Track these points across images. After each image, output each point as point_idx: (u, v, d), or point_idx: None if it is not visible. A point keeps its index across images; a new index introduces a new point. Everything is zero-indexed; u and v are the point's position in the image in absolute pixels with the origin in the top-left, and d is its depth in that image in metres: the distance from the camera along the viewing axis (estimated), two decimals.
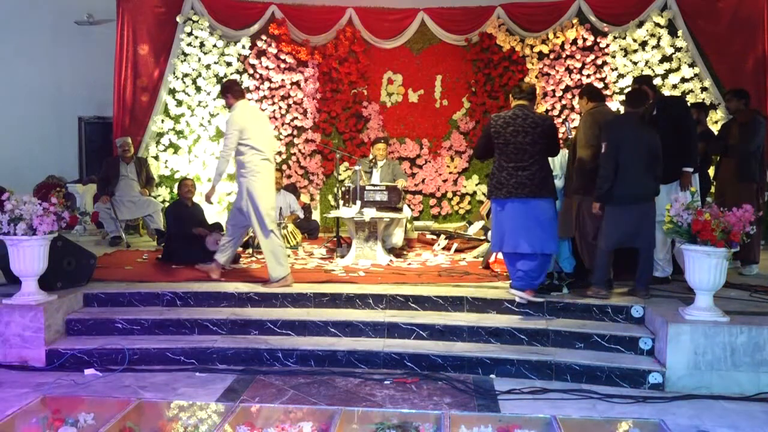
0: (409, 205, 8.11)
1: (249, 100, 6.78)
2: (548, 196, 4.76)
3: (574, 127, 5.40)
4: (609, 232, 4.79)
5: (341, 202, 6.59)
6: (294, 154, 8.91)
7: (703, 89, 8.17)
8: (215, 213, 8.41)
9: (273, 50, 8.69)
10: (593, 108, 5.21)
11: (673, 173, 5.09)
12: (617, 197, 4.72)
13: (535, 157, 4.73)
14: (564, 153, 5.44)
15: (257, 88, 8.73)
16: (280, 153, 8.86)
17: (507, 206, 4.78)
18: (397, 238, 6.86)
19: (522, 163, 4.71)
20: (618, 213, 4.74)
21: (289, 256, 6.70)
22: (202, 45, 8.58)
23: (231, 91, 5.49)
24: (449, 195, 8.97)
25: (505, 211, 4.80)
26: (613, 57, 8.48)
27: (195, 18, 8.53)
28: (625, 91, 8.31)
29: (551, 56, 8.65)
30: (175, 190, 7.91)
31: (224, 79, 7.57)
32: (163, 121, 8.53)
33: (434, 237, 7.73)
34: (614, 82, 8.49)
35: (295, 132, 8.90)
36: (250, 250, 6.94)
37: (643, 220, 4.74)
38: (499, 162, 4.81)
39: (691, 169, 5.22)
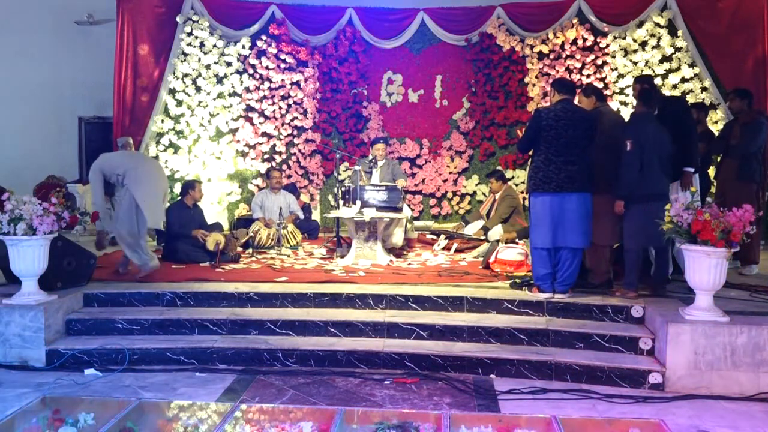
0: (409, 205, 8.11)
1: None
2: (592, 190, 4.84)
3: None
4: (635, 232, 4.77)
5: (341, 202, 6.59)
6: (294, 154, 8.91)
7: (703, 89, 8.16)
8: (215, 213, 8.42)
9: (273, 50, 8.68)
10: (595, 108, 5.21)
11: (673, 173, 5.09)
12: (641, 196, 4.72)
13: (584, 150, 4.78)
14: None
15: (257, 88, 8.72)
16: (280, 153, 8.86)
17: (555, 201, 4.77)
18: (397, 238, 6.86)
19: (572, 157, 4.75)
20: (641, 211, 4.72)
21: (289, 256, 6.73)
22: (202, 45, 8.58)
23: None
24: (449, 195, 8.96)
25: (552, 205, 4.78)
26: (613, 57, 8.47)
27: (195, 18, 8.52)
28: (625, 90, 8.36)
29: (551, 56, 8.64)
30: (176, 190, 7.90)
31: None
32: (163, 121, 8.52)
33: (434, 237, 7.72)
34: (614, 82, 8.48)
35: (295, 132, 8.90)
36: (250, 250, 6.94)
37: (658, 219, 4.74)
38: (546, 156, 4.79)
39: (692, 170, 5.22)
